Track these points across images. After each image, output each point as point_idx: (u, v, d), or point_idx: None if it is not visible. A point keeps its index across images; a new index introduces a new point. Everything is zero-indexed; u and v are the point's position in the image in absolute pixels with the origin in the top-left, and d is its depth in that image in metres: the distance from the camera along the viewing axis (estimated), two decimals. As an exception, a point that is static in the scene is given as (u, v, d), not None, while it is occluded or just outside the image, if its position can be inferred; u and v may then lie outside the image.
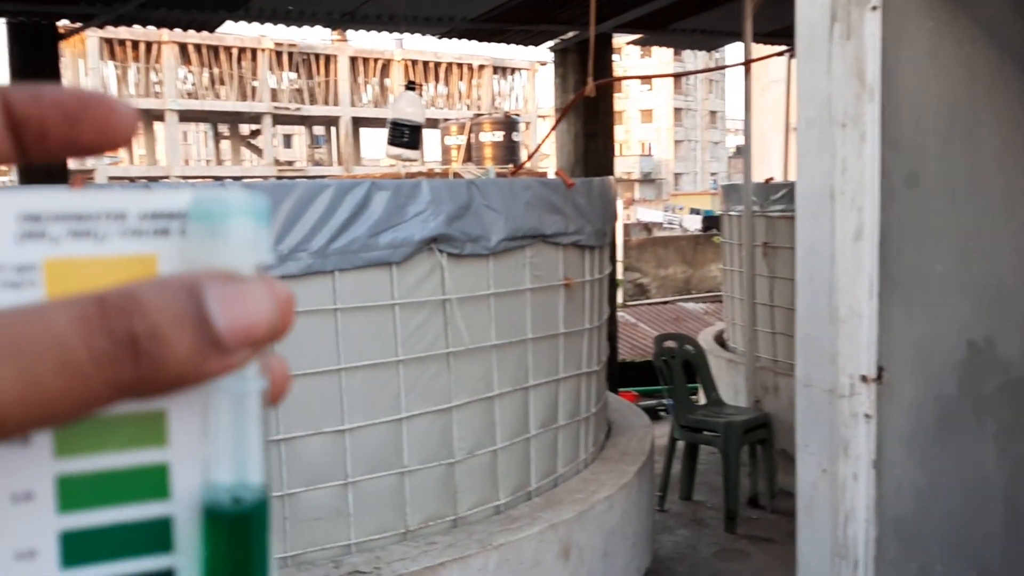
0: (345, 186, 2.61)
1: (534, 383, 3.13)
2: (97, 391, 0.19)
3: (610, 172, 6.44)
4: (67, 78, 24.63)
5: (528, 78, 33.90)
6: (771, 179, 5.28)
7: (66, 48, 25.10)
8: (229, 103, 27.06)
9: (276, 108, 27.62)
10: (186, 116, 27.52)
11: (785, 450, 5.14)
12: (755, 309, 5.15)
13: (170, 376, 0.20)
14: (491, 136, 21.15)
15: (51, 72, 6.01)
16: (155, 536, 0.23)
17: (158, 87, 25.90)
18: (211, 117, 28.55)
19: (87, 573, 0.22)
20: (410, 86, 4.26)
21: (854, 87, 2.15)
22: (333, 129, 30.26)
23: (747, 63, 4.75)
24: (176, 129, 26.89)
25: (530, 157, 3.52)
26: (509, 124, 21.84)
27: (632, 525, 3.29)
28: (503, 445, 3.01)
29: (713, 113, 48.27)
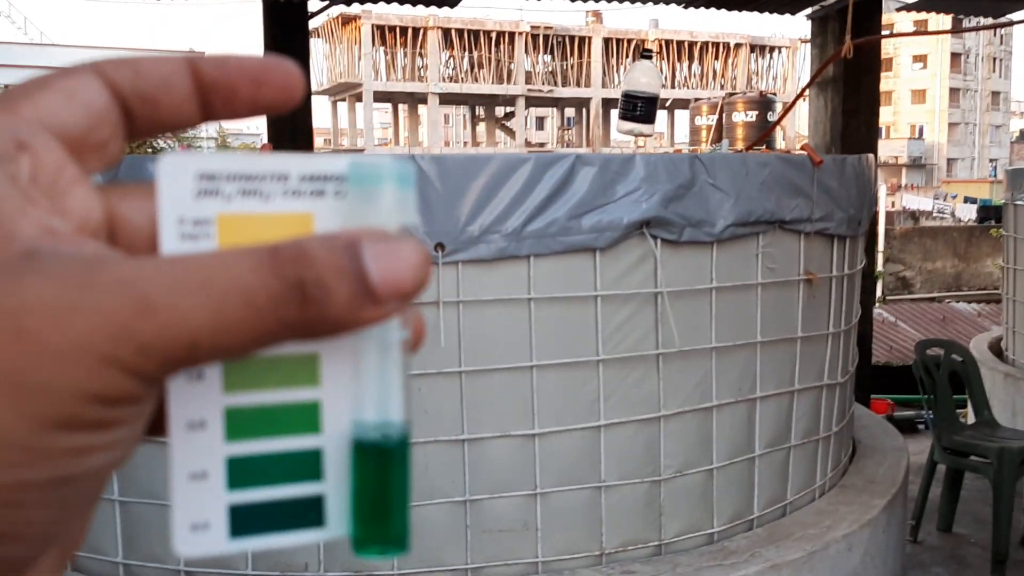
0: (546, 160, 2.30)
1: (762, 394, 2.67)
2: (269, 327, 0.22)
3: (871, 153, 5.71)
4: (343, 63, 26.29)
5: (788, 56, 32.13)
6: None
7: (343, 35, 26.75)
8: (486, 86, 27.79)
9: (530, 91, 28.00)
10: (447, 99, 28.57)
11: (1079, 487, 4.29)
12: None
13: (330, 320, 0.22)
14: (743, 116, 20.19)
15: (300, 50, 6.15)
16: (307, 466, 0.25)
17: (422, 71, 27.04)
18: (469, 100, 29.46)
19: (248, 495, 0.24)
20: (645, 54, 3.86)
21: None
22: (584, 111, 30.25)
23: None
24: (438, 112, 28.00)
25: (768, 132, 3.01)
26: (764, 104, 20.73)
27: (876, 571, 2.76)
28: (721, 464, 2.59)
29: (995, 94, 43.64)
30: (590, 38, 30.13)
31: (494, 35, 28.54)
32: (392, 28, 26.68)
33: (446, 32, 27.63)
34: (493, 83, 28.39)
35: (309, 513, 0.25)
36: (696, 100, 23.44)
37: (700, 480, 2.56)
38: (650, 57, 3.84)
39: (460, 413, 2.30)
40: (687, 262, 2.49)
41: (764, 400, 2.68)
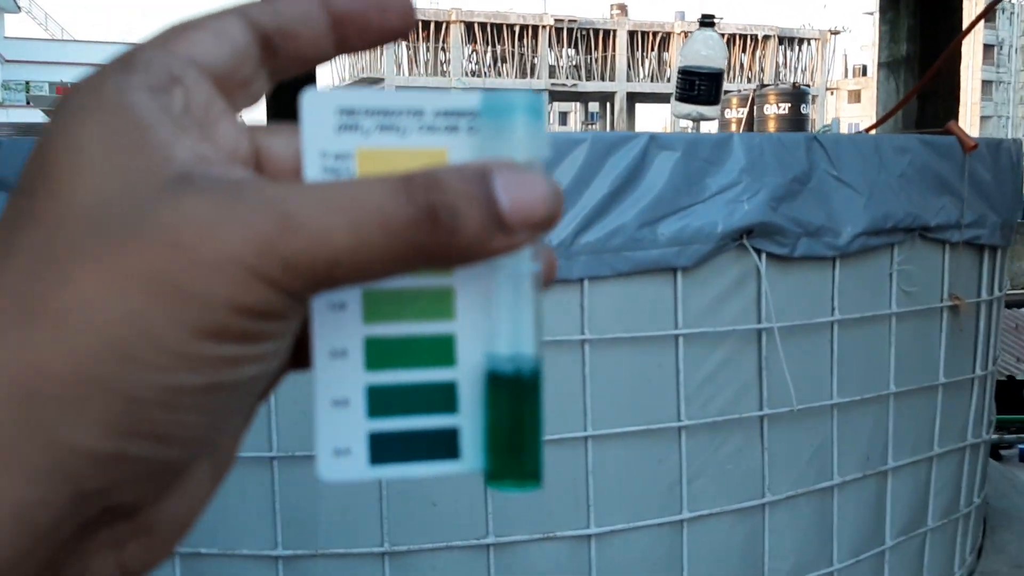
0: (607, 141, 1.60)
1: (895, 464, 1.96)
2: (403, 251, 0.22)
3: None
4: (365, 58, 25.70)
5: (817, 48, 31.23)
6: None
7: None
8: (509, 80, 27.12)
9: (553, 85, 27.28)
10: (469, 94, 27.90)
11: None
12: None
13: (461, 246, 0.22)
14: (776, 109, 19.36)
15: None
16: (443, 398, 0.25)
17: (445, 66, 26.41)
18: (491, 95, 28.76)
19: (386, 424, 0.25)
20: (706, 20, 3.09)
21: None
22: (608, 105, 29.50)
23: None
24: (460, 109, 27.31)
25: (898, 107, 2.29)
26: (798, 96, 19.87)
27: None
28: (844, 565, 1.87)
29: (1035, 85, 42.33)
30: (615, 31, 29.45)
31: (517, 29, 27.95)
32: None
33: (469, 26, 27.06)
34: (516, 77, 27.78)
35: (445, 445, 0.26)
36: (725, 93, 22.71)
37: (816, 588, 1.85)
38: (712, 25, 3.08)
39: (484, 506, 1.60)
40: (800, 285, 1.79)
41: (897, 472, 1.97)
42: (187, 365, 0.20)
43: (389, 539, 1.59)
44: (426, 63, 26.60)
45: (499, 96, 0.24)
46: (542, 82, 27.36)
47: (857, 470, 1.88)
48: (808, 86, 21.28)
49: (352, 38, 0.26)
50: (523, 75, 27.79)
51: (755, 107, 21.48)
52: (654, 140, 1.62)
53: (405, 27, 0.26)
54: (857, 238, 1.79)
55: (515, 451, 0.25)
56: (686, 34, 29.48)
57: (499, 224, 0.22)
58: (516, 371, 0.25)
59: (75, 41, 30.06)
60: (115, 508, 0.22)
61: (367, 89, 0.25)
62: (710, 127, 3.31)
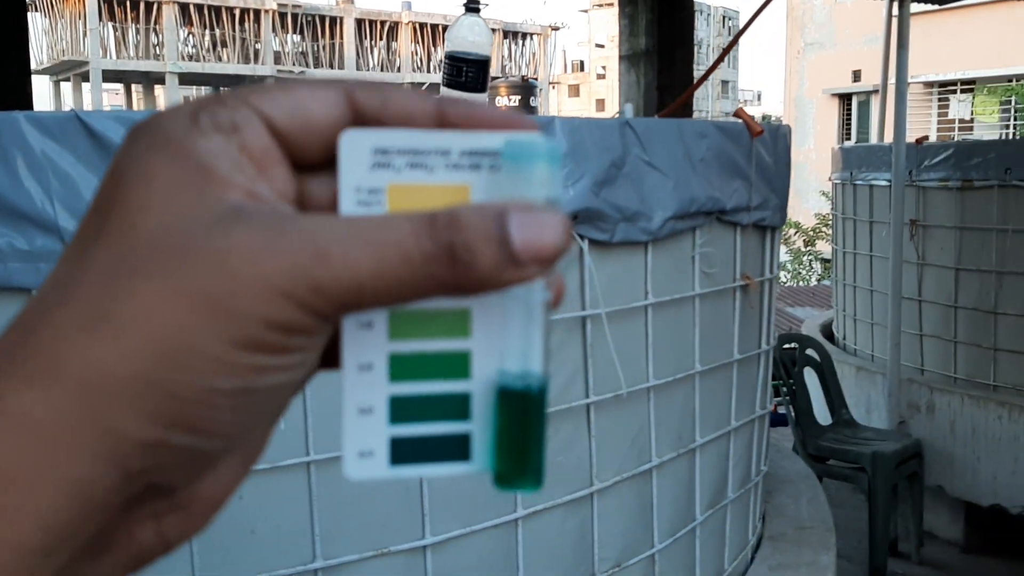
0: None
1: (702, 440, 2.01)
2: (422, 282, 0.24)
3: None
4: (66, 39, 23.42)
5: (539, 43, 32.54)
6: (924, 139, 4.12)
7: (65, 9, 23.85)
8: (232, 66, 25.84)
9: (280, 71, 26.34)
10: (187, 79, 26.26)
11: (942, 487, 4.04)
12: (900, 305, 4.01)
13: (475, 279, 0.25)
14: (507, 101, 19.95)
15: (15, 23, 4.82)
16: (457, 408, 0.27)
17: (158, 49, 24.67)
18: (213, 80, 27.24)
19: (406, 429, 0.27)
20: (471, 6, 3.02)
21: None
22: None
23: None
24: (177, 92, 25.66)
25: (686, 97, 2.34)
26: (526, 89, 20.59)
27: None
28: (663, 546, 1.90)
29: (725, 83, 46.77)
30: (342, 18, 28.99)
31: (238, 12, 26.71)
32: (122, 2, 24.24)
33: (183, 7, 25.48)
34: (239, 63, 26.55)
35: (458, 449, 0.28)
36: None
37: (641, 571, 1.86)
38: (477, 10, 3.02)
39: (310, 528, 1.44)
40: (619, 270, 1.78)
41: (704, 448, 2.02)
42: (223, 371, 0.23)
43: (200, 574, 1.39)
44: (136, 45, 24.72)
45: (522, 142, 0.26)
46: (267, 68, 26.39)
47: (672, 450, 1.91)
48: (536, 79, 22.10)
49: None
50: (246, 60, 26.63)
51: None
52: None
53: None
54: (667, 222, 1.81)
55: (522, 456, 0.27)
56: (415, 24, 29.62)
57: (511, 260, 0.25)
58: (525, 387, 0.27)
59: None
60: (156, 487, 0.25)
61: (402, 130, 0.27)
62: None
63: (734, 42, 2.22)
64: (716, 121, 2.04)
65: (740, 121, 2.06)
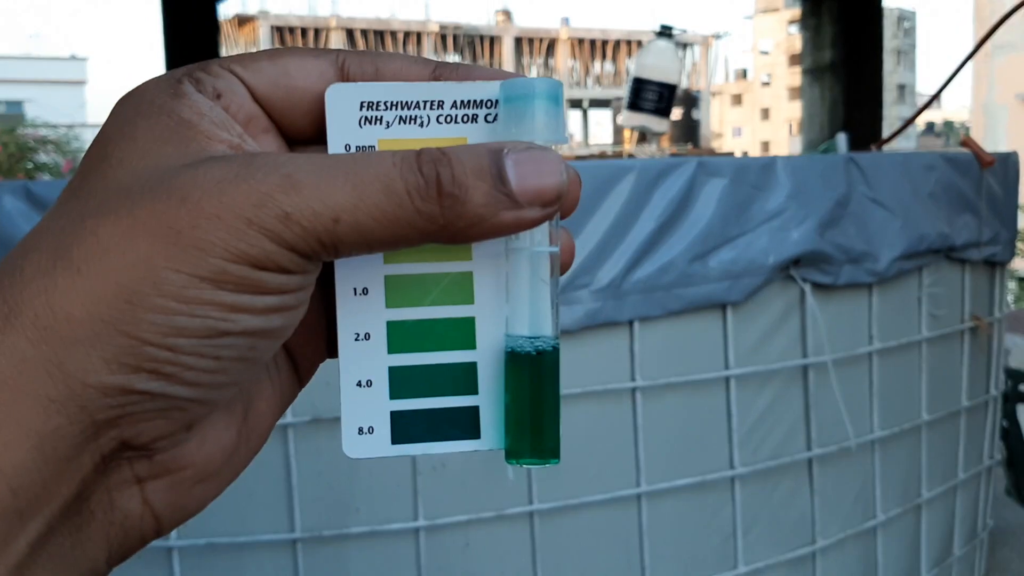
0: (655, 168, 1.45)
1: (929, 495, 1.88)
2: (408, 217, 0.23)
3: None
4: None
5: (701, 52, 32.02)
6: None
7: (240, 36, 25.34)
8: (395, 87, 26.76)
9: (442, 91, 27.04)
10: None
11: None
12: None
13: (468, 217, 0.23)
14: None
15: (208, 49, 5.14)
16: (463, 379, 0.26)
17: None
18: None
19: (408, 404, 0.26)
20: (664, 32, 2.97)
21: None
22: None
23: None
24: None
25: (908, 123, 2.22)
26: (688, 101, 20.27)
27: None
28: (889, 608, 1.78)
29: (901, 87, 44.57)
30: (501, 37, 29.56)
31: (401, 35, 27.74)
32: (292, 29, 25.62)
33: (350, 32, 26.66)
34: (404, 84, 27.55)
35: (465, 425, 0.26)
36: (617, 99, 23.04)
37: (865, 634, 1.75)
38: (670, 36, 2.97)
39: (532, 568, 1.43)
40: (843, 314, 1.68)
41: (930, 503, 1.89)
42: (188, 308, 0.22)
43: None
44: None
45: (519, 82, 0.25)
46: (431, 89, 27.26)
47: (898, 505, 1.79)
48: (699, 90, 21.75)
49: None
50: (411, 82, 27.63)
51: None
52: (701, 165, 1.48)
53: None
54: (895, 262, 1.70)
55: (535, 429, 0.25)
56: (573, 40, 29.83)
57: (507, 197, 0.23)
58: (535, 350, 0.25)
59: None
60: (131, 443, 0.23)
61: (392, 84, 0.26)
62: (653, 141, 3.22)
63: (984, 42, 2.04)
64: (944, 152, 1.90)
65: (968, 151, 1.92)
